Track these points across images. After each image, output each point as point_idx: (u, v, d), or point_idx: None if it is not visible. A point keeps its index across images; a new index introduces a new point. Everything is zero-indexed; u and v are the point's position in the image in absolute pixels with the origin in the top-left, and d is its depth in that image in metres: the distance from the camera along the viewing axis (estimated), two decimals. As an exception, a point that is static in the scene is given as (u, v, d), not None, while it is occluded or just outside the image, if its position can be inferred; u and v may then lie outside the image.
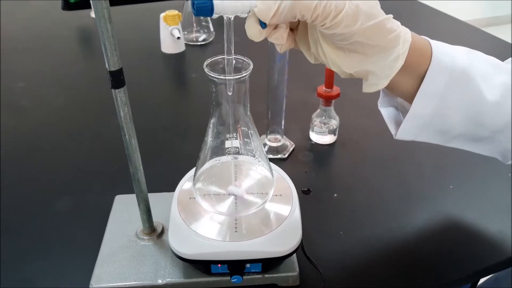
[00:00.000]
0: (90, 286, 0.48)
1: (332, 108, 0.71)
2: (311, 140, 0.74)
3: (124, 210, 0.57)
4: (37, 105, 0.85)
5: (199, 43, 1.09)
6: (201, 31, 1.10)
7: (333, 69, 0.40)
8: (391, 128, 0.46)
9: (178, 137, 0.76)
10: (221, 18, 0.37)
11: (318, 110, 0.72)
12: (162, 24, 1.01)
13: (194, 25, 1.10)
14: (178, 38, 0.99)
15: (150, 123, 0.79)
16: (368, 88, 0.40)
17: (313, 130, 0.73)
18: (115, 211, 0.57)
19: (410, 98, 0.42)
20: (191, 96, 0.93)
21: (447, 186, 0.64)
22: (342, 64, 0.39)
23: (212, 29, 1.10)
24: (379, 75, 0.39)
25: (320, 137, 0.73)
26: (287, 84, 0.65)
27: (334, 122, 0.72)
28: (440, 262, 0.53)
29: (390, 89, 0.42)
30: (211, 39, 1.10)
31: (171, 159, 0.70)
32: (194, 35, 1.10)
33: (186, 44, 1.07)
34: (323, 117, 0.72)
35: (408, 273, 0.52)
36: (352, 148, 0.73)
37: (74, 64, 1.02)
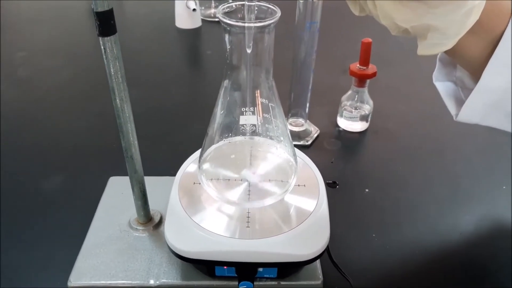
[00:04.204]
0: (69, 283, 0.39)
1: (366, 90, 0.61)
2: (339, 127, 0.64)
3: (118, 194, 0.49)
4: (38, 76, 0.78)
5: (216, 19, 1.00)
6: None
7: (384, 22, 0.31)
8: (451, 107, 0.37)
9: (188, 118, 0.68)
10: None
11: (350, 92, 0.62)
12: (177, -5, 0.92)
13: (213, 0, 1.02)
14: (194, 10, 0.90)
15: (159, 102, 0.72)
16: (427, 49, 0.31)
17: (341, 115, 0.63)
18: (107, 195, 0.49)
19: (477, 69, 0.33)
20: (204, 74, 0.84)
21: (499, 186, 0.55)
22: (397, 16, 0.29)
23: (232, 4, 1.01)
24: (445, 32, 0.29)
25: (350, 123, 0.63)
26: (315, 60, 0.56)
27: (367, 107, 0.62)
28: (491, 272, 0.44)
29: (453, 54, 0.33)
30: (230, 15, 1.01)
31: (179, 141, 0.62)
32: (212, 10, 1.01)
33: (202, 20, 0.98)
34: (355, 100, 0.62)
35: (453, 284, 0.43)
36: (387, 138, 0.63)
37: (81, 37, 0.95)
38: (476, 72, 0.33)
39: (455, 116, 0.36)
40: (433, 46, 0.31)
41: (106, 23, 0.31)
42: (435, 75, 0.39)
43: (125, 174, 0.46)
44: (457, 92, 0.38)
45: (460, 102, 0.36)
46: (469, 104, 0.34)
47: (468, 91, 0.36)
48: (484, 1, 0.29)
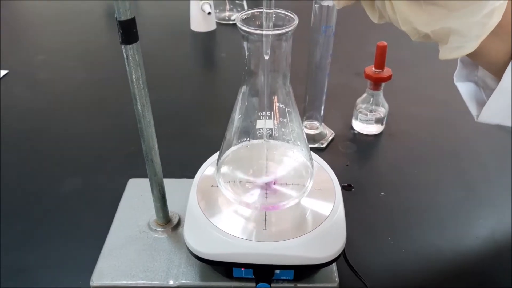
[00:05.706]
0: (91, 283, 0.41)
1: (381, 93, 0.61)
2: (354, 130, 0.65)
3: (137, 196, 0.50)
4: (57, 79, 0.80)
5: (231, 22, 1.01)
6: (234, 9, 1.02)
7: (403, 28, 0.31)
8: (472, 108, 0.37)
9: (203, 119, 0.69)
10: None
11: (365, 95, 0.62)
12: (192, -1, 0.93)
13: (227, 3, 1.02)
14: (209, 13, 0.91)
15: (174, 103, 0.72)
16: (449, 53, 0.31)
17: (356, 118, 0.64)
18: (127, 197, 0.50)
19: (499, 70, 0.32)
20: (219, 77, 0.85)
21: (516, 190, 0.54)
22: (416, 21, 0.29)
23: (246, 7, 1.02)
24: (466, 35, 0.29)
25: (365, 126, 0.63)
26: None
27: (382, 110, 0.62)
28: (509, 277, 0.43)
29: (474, 56, 0.32)
30: (244, 18, 1.02)
31: (194, 143, 0.63)
32: (226, 13, 1.02)
33: (217, 23, 0.99)
34: (370, 103, 0.62)
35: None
36: (402, 141, 0.63)
37: (99, 39, 0.96)
38: (498, 73, 0.33)
39: (476, 117, 0.36)
40: (454, 50, 0.31)
41: (128, 31, 0.32)
42: (456, 75, 0.38)
43: (143, 175, 0.47)
44: (478, 93, 0.38)
45: (481, 103, 0.36)
46: (490, 105, 0.34)
47: (490, 91, 0.36)
48: (506, 2, 0.29)
